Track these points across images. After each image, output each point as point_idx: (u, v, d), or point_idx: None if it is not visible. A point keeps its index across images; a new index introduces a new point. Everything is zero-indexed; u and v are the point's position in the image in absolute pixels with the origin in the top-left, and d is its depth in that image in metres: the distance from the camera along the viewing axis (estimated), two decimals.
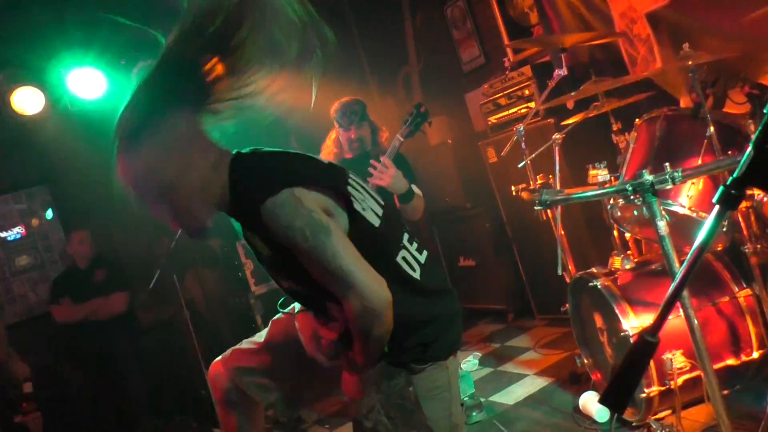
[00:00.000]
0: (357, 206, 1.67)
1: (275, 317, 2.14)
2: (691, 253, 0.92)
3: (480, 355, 4.32)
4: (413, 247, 1.79)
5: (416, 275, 1.73)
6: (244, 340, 2.18)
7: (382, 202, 1.82)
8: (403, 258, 1.73)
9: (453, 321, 1.80)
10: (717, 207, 0.89)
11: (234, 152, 1.69)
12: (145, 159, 1.59)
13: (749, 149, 0.85)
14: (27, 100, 4.66)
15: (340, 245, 1.55)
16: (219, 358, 2.16)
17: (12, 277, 5.41)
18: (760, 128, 0.83)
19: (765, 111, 0.85)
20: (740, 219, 2.60)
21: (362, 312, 1.54)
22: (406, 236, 1.79)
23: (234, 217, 1.72)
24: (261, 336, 2.13)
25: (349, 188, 1.70)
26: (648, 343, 0.97)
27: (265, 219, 1.54)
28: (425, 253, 1.82)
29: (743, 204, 2.59)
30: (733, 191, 0.87)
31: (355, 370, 1.72)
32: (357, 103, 3.39)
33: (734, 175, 0.86)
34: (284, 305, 2.08)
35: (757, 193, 2.48)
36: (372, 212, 1.72)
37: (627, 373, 1.00)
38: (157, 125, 1.57)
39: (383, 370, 1.69)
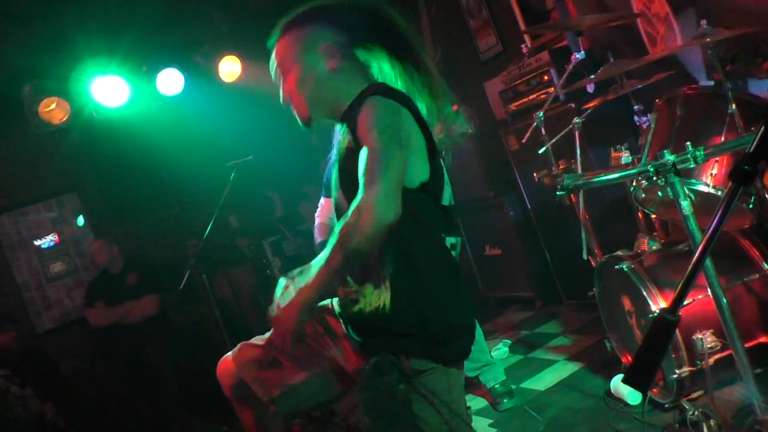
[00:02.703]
0: (444, 176, 1.78)
1: None
2: (707, 231, 0.93)
3: (510, 342, 4.33)
4: (457, 249, 1.81)
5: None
6: (256, 336, 2.08)
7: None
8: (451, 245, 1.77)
9: (471, 331, 1.81)
10: (731, 184, 0.90)
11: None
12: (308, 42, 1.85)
13: (761, 125, 0.85)
14: (52, 110, 4.76)
15: (400, 159, 1.60)
16: (229, 353, 2.07)
17: (47, 284, 5.55)
18: None
19: None
20: (767, 196, 2.56)
21: (361, 209, 1.54)
22: (460, 240, 1.82)
23: (343, 120, 1.82)
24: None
25: (441, 160, 1.80)
26: (668, 322, 0.97)
27: (366, 103, 1.67)
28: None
29: None
30: (745, 167, 0.87)
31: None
32: None
33: (747, 151, 0.87)
34: None
35: None
36: (448, 192, 1.81)
37: (649, 352, 1.00)
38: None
39: (378, 364, 1.67)
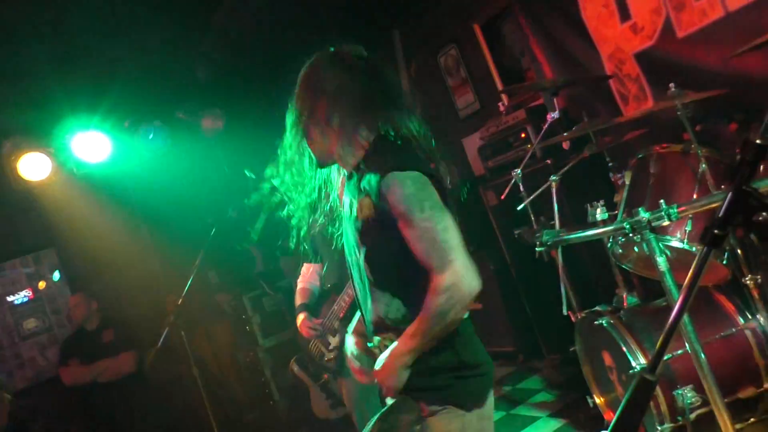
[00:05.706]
0: None
1: None
2: (681, 293, 0.95)
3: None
4: None
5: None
6: None
7: None
8: None
9: (490, 376, 1.83)
10: (703, 247, 0.93)
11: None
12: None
13: (728, 191, 0.90)
14: (33, 166, 4.74)
15: (451, 224, 1.69)
16: None
17: (21, 341, 5.41)
18: (736, 171, 0.88)
19: (740, 154, 0.89)
20: (740, 252, 2.62)
21: (450, 288, 1.61)
22: None
23: (356, 173, 1.84)
24: None
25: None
26: (647, 382, 0.99)
27: (390, 184, 1.68)
28: None
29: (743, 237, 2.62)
30: (716, 231, 0.90)
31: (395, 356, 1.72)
32: None
33: (716, 215, 0.90)
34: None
35: None
36: None
37: (629, 412, 1.02)
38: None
39: (400, 402, 1.71)
